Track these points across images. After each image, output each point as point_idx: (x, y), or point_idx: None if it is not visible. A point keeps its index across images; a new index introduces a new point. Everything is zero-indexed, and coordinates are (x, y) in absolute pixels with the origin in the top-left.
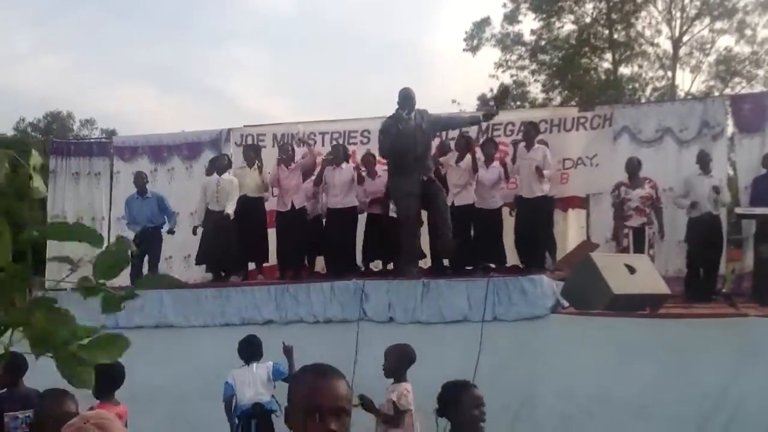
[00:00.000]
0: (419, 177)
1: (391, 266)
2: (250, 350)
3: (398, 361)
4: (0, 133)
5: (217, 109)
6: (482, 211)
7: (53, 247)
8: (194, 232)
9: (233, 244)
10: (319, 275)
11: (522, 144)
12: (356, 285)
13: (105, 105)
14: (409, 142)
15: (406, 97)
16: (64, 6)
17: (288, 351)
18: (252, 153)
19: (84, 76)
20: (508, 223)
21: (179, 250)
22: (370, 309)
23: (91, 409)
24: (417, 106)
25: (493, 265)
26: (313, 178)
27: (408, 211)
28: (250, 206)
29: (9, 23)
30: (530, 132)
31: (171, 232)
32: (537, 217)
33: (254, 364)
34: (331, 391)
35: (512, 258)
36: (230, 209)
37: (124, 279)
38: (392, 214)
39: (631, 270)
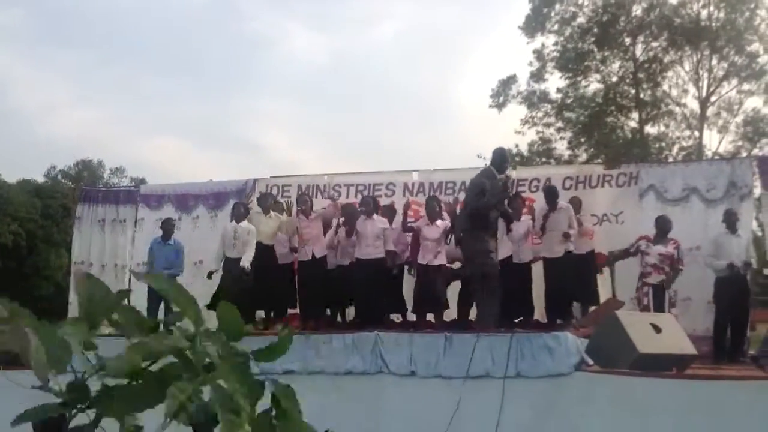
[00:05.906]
0: (495, 237)
1: (414, 318)
2: None
3: None
4: (31, 179)
5: (248, 159)
6: (513, 265)
7: None
8: (209, 277)
9: (246, 293)
10: (340, 326)
11: (546, 210)
12: (377, 337)
13: (137, 155)
14: (497, 201)
15: (503, 158)
16: (104, 62)
17: None
18: (269, 200)
19: (118, 127)
20: (538, 278)
21: (199, 298)
22: (392, 362)
23: None
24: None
25: (517, 320)
26: (343, 228)
27: (491, 268)
28: (265, 253)
29: (50, 75)
30: (550, 196)
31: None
32: (570, 274)
33: None
34: None
35: (537, 313)
36: (246, 262)
37: None
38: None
39: (657, 329)
